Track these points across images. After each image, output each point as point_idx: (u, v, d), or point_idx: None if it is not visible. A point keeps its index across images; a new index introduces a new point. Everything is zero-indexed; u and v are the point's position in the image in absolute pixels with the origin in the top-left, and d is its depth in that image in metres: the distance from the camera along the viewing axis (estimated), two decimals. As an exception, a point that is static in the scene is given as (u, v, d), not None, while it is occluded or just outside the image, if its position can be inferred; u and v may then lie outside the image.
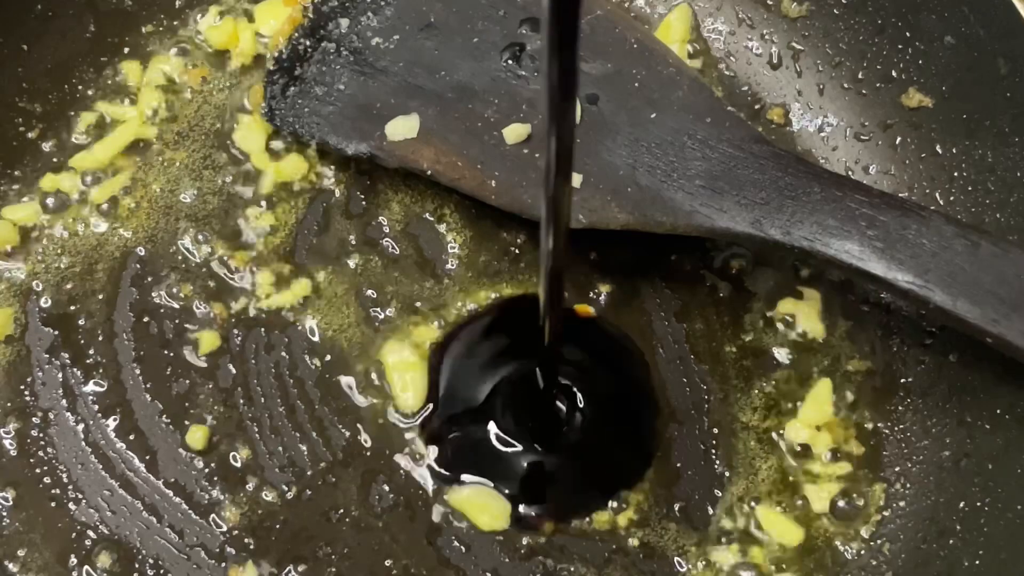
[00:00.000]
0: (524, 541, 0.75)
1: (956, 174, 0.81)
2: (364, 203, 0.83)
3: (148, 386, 0.78)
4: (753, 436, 0.78)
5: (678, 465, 0.77)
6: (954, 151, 0.81)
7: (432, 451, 0.77)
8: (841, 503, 0.76)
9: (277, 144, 0.84)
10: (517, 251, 0.82)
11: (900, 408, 0.79)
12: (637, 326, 0.80)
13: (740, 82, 0.88)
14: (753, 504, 0.76)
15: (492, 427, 0.77)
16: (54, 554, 0.74)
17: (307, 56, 0.81)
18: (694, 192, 0.73)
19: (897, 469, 0.77)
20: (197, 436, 0.76)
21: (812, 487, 0.76)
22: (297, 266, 0.81)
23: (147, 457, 0.76)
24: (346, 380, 0.79)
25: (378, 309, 0.81)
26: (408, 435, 0.77)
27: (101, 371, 0.78)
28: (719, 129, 0.75)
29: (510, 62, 0.79)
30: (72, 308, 0.80)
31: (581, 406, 0.78)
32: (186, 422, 0.77)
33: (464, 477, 0.76)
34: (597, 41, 0.79)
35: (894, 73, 0.84)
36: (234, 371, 0.79)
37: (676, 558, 0.75)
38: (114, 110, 0.85)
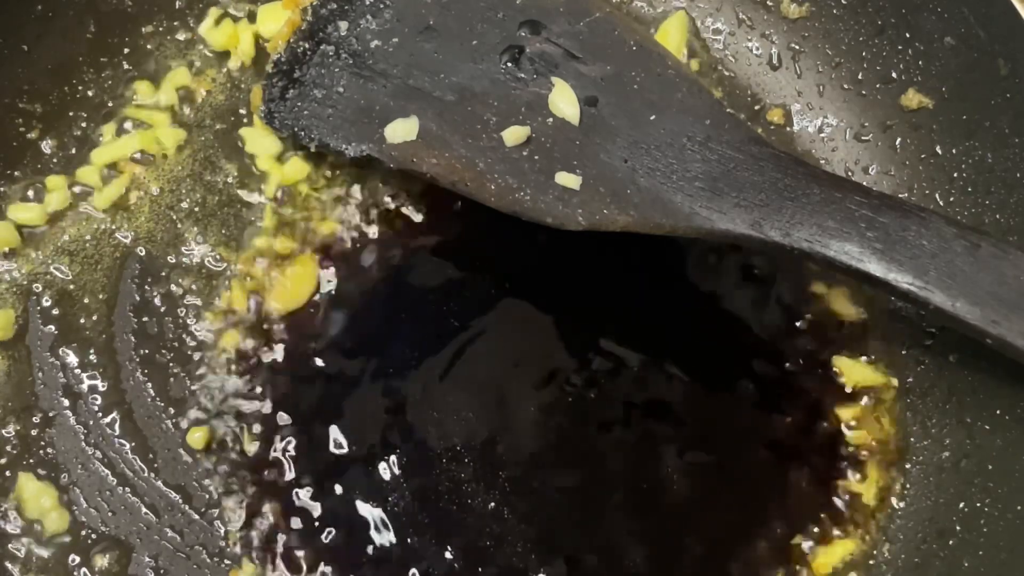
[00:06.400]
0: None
1: (956, 175, 0.81)
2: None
3: (148, 386, 0.78)
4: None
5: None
6: (954, 152, 0.81)
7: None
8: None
9: (279, 146, 0.84)
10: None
11: (900, 408, 0.79)
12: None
13: (740, 83, 0.88)
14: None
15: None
16: (54, 554, 0.74)
17: (306, 59, 0.81)
18: (694, 194, 0.73)
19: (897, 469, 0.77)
20: (197, 436, 0.76)
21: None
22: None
23: (147, 457, 0.76)
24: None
25: (378, 309, 0.81)
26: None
27: (101, 371, 0.78)
28: (718, 131, 0.75)
29: (509, 64, 0.79)
30: (72, 308, 0.80)
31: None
32: (186, 422, 0.77)
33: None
34: (596, 43, 0.79)
35: (894, 74, 0.83)
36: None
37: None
38: (134, 114, 0.85)
